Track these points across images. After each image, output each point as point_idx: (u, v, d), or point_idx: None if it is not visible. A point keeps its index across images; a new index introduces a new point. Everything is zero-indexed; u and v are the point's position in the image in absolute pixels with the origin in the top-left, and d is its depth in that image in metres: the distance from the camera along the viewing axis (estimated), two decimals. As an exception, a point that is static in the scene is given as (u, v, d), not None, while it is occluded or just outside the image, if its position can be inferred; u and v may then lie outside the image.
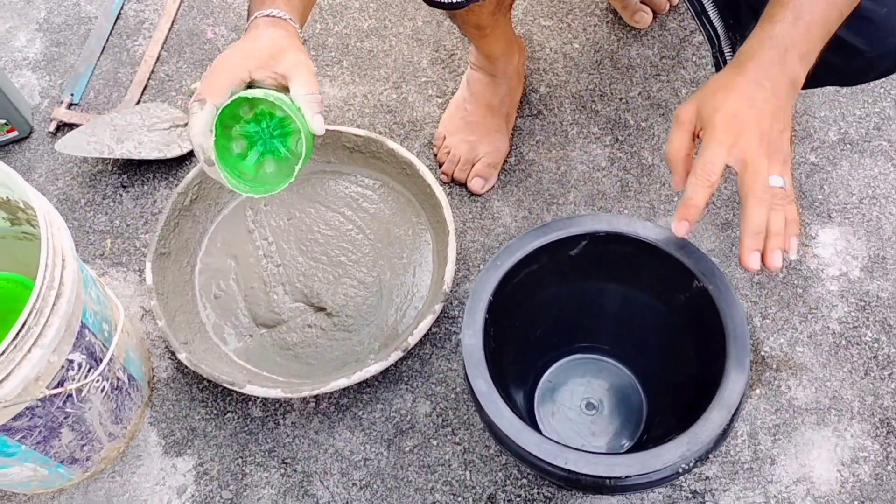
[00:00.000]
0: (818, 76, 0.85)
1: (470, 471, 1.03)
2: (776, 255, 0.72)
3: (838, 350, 1.08)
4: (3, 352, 0.78)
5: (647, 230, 0.86)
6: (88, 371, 0.93)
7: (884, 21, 0.80)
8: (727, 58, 0.95)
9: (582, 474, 0.77)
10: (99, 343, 0.94)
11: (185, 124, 1.27)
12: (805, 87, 0.83)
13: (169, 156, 1.24)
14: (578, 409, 1.02)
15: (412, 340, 1.01)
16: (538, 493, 1.02)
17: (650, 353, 0.99)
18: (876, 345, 1.07)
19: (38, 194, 0.89)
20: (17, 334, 0.80)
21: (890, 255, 1.13)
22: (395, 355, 1.01)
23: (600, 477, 0.78)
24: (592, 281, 0.92)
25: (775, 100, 0.73)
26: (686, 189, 0.73)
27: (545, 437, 0.76)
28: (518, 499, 1.01)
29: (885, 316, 1.09)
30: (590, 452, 0.76)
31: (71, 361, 0.89)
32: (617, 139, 1.24)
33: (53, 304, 0.83)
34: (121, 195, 1.25)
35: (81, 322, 0.90)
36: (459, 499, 1.02)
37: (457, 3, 0.96)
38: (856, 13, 0.79)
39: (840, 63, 0.83)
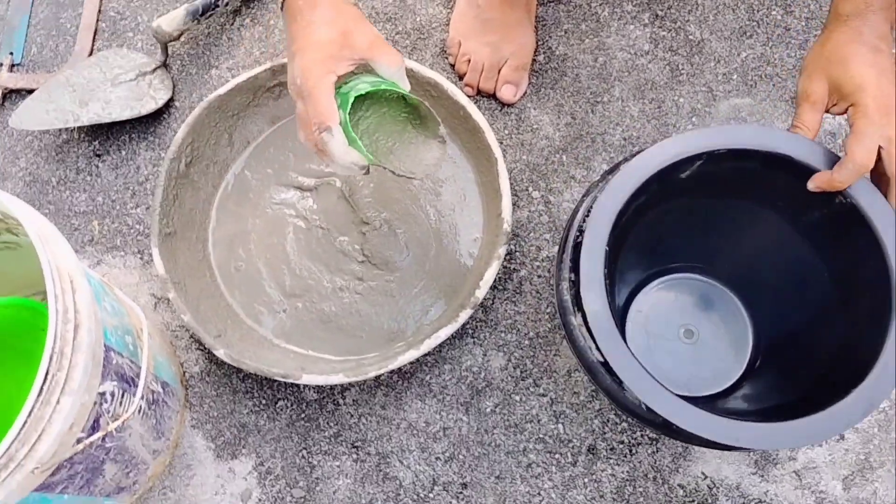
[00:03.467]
0: None
1: (563, 423, 0.93)
2: None
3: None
4: (30, 412, 0.64)
5: (776, 140, 0.72)
6: (122, 397, 0.79)
7: None
8: None
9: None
10: (127, 362, 0.80)
11: (154, 70, 1.08)
12: None
13: (143, 112, 1.05)
14: (677, 338, 0.90)
15: (480, 294, 0.88)
16: (642, 435, 0.92)
17: (762, 274, 0.87)
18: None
19: (23, 205, 0.72)
20: (42, 387, 0.65)
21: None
22: (465, 314, 0.88)
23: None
24: (701, 199, 0.79)
25: (891, 61, 0.72)
26: (840, 173, 0.69)
27: (711, 413, 0.65)
28: (621, 445, 0.92)
29: None
30: (761, 423, 0.65)
31: (102, 394, 0.75)
32: (656, 15, 1.08)
33: (74, 339, 0.69)
34: (97, 167, 1.07)
35: (105, 345, 0.75)
36: (557, 455, 0.92)
37: None
38: None
39: None
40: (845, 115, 0.72)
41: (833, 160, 0.70)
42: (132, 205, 1.05)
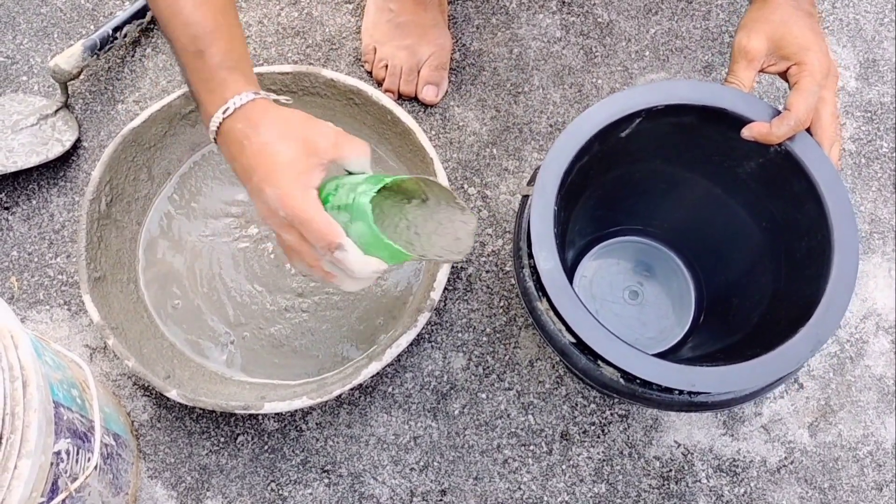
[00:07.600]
0: None
1: (532, 414, 0.92)
2: None
3: (860, 169, 1.01)
4: (-14, 482, 0.59)
5: (712, 93, 0.73)
6: (77, 454, 0.74)
7: None
8: None
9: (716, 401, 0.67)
10: (77, 416, 0.75)
11: (56, 111, 1.02)
12: None
13: (51, 156, 0.99)
14: (622, 300, 0.91)
15: (436, 296, 0.87)
16: (611, 413, 0.92)
17: (698, 234, 0.88)
18: (895, 153, 1.01)
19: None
20: (-4, 454, 0.60)
21: (880, 56, 1.06)
22: (423, 318, 0.86)
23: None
24: (640, 164, 0.80)
25: (820, 25, 0.75)
26: (779, 127, 0.71)
27: (679, 363, 0.65)
28: (593, 427, 0.91)
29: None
30: (714, 367, 0.66)
31: (58, 453, 0.70)
32: (563, 2, 1.09)
33: (24, 397, 0.64)
34: (6, 220, 1.00)
35: (53, 401, 0.70)
36: (531, 447, 0.91)
37: None
38: None
39: None
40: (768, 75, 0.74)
41: (768, 112, 0.72)
42: (51, 255, 0.99)
